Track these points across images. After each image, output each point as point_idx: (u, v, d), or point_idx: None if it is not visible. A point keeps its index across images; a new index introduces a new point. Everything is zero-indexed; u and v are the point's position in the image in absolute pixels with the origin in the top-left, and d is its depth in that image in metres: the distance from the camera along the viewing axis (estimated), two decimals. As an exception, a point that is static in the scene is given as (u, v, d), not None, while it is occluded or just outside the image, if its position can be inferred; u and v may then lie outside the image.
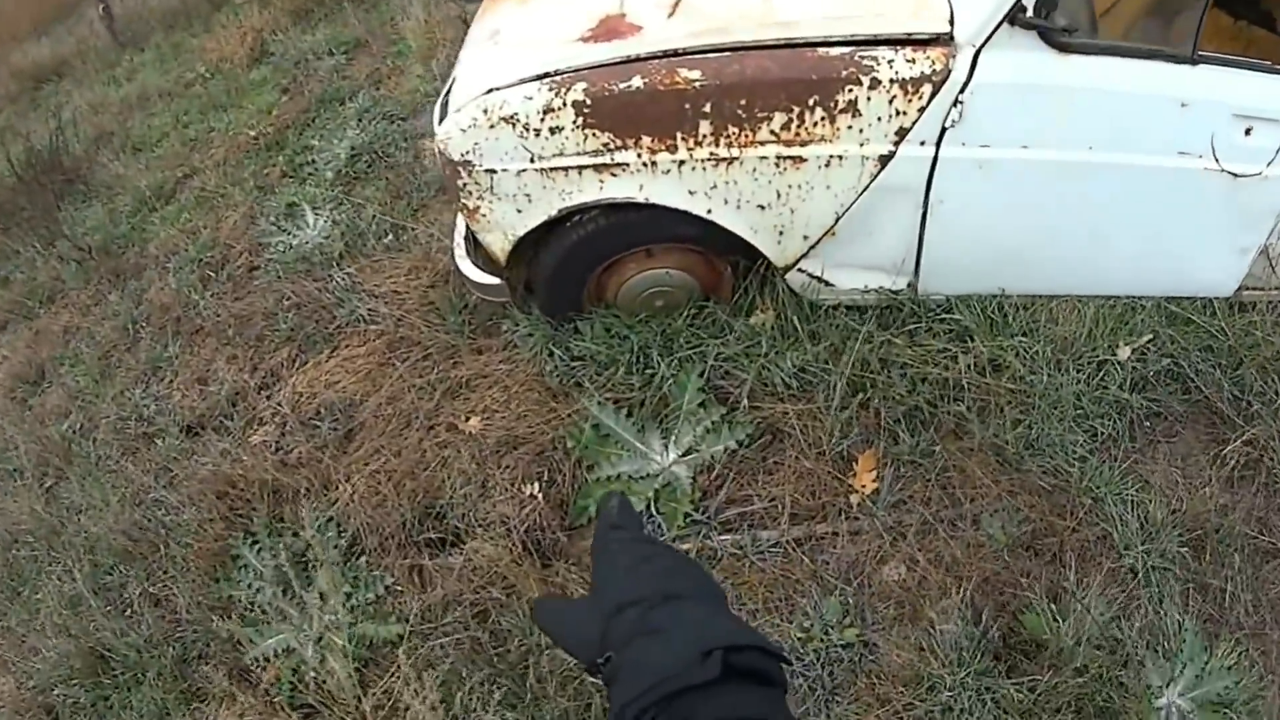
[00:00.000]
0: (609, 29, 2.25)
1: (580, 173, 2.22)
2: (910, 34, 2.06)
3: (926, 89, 2.05)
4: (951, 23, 2.05)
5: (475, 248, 2.61)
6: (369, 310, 2.96)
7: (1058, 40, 2.01)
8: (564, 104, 2.12)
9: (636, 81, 2.09)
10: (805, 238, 2.34)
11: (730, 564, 2.25)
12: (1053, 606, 2.06)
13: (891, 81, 2.05)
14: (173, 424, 2.88)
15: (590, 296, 2.63)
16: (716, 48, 2.11)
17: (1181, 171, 2.13)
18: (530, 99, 2.14)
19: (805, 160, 2.17)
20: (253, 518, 2.57)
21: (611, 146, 2.17)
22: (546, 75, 2.16)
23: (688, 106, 2.10)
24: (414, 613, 2.29)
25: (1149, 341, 2.39)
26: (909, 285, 2.47)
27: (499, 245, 2.45)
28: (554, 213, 2.31)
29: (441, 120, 2.48)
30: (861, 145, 2.14)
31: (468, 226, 2.63)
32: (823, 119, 2.10)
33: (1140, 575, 2.13)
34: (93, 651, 2.44)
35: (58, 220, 4.25)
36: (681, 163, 2.19)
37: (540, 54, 2.22)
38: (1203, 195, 2.17)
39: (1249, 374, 2.33)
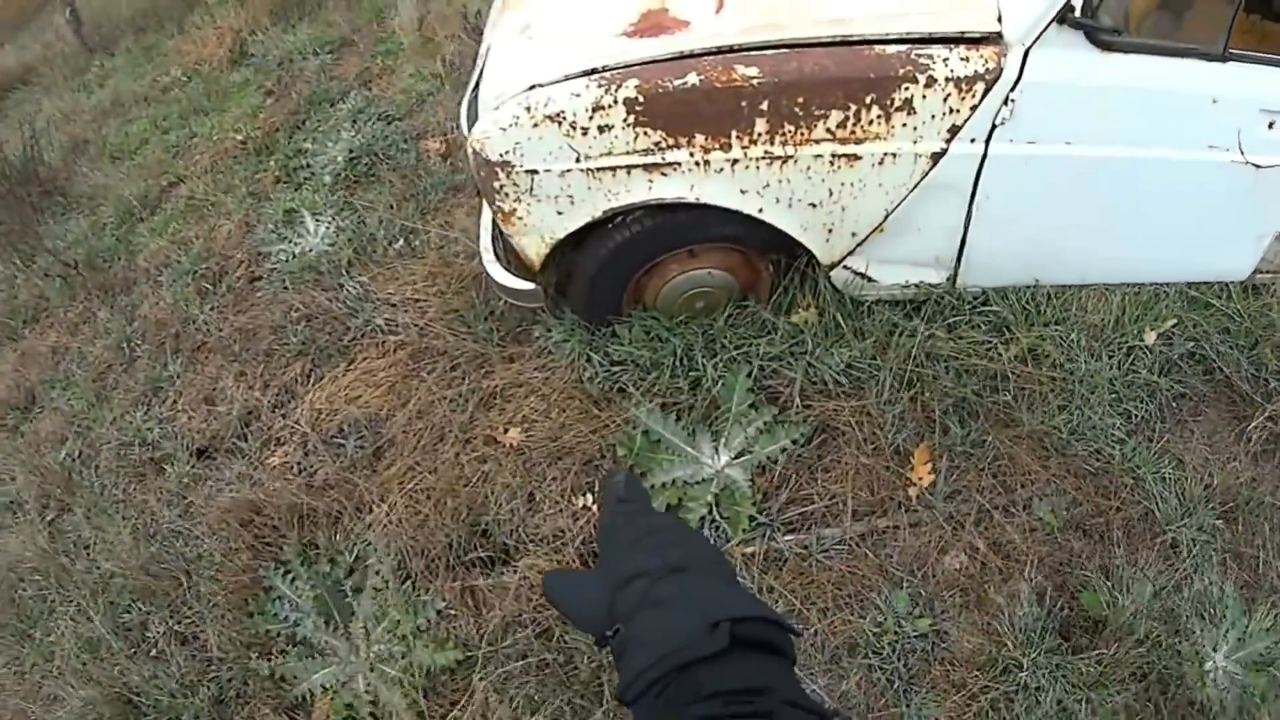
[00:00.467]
0: (654, 24, 2.21)
1: (629, 172, 2.18)
2: (964, 32, 2.08)
3: (980, 87, 2.08)
4: (1000, 21, 2.09)
5: (505, 251, 2.54)
6: (386, 320, 2.85)
7: (1102, 39, 2.06)
8: (615, 101, 2.07)
9: (692, 78, 2.06)
10: (854, 235, 2.35)
11: (796, 564, 2.26)
12: (1108, 583, 2.15)
13: (947, 80, 2.07)
14: (181, 448, 2.72)
15: (628, 299, 2.60)
16: (772, 44, 2.10)
17: (1210, 164, 2.21)
18: (578, 96, 2.09)
19: (860, 158, 2.17)
20: (282, 545, 2.45)
21: (663, 145, 2.14)
22: (595, 71, 2.11)
23: (744, 104, 2.08)
24: (472, 637, 2.23)
25: (1173, 326, 2.49)
26: (948, 279, 2.52)
27: (535, 249, 2.39)
28: (598, 214, 2.26)
29: (472, 120, 2.41)
30: (915, 143, 2.15)
31: (496, 229, 2.56)
32: (879, 117, 2.11)
33: (1184, 549, 2.24)
34: (120, 697, 2.29)
35: (37, 234, 4.00)
36: (735, 161, 2.17)
37: (584, 49, 2.17)
38: (1228, 186, 2.26)
39: (1265, 353, 2.46)
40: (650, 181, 2.19)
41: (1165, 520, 2.28)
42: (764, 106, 2.09)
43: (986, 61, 2.07)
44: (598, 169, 2.17)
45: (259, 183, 3.59)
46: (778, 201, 2.25)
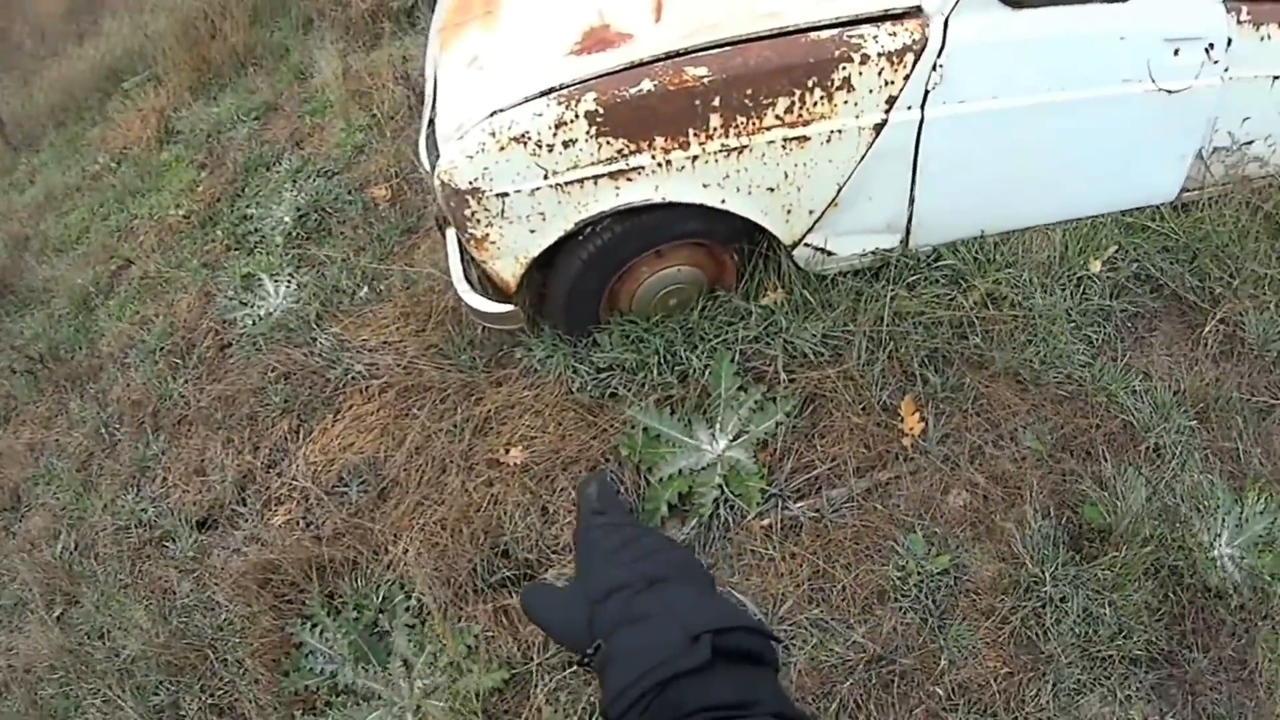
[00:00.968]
0: (599, 40, 2.31)
1: (596, 182, 2.26)
2: (888, 10, 2.24)
3: (910, 58, 2.23)
4: (917, -5, 2.25)
5: (479, 278, 2.59)
6: (366, 365, 2.87)
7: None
8: (576, 115, 2.16)
9: (646, 85, 2.16)
10: (811, 212, 2.48)
11: (812, 528, 2.36)
12: (1104, 494, 2.31)
13: (879, 55, 2.22)
14: (181, 523, 2.69)
15: (605, 308, 2.68)
16: (716, 44, 2.22)
17: (1126, 96, 2.42)
18: (540, 115, 2.17)
19: (809, 139, 2.30)
20: (305, 600, 2.45)
21: (626, 152, 2.23)
22: (553, 90, 2.20)
23: (697, 103, 2.20)
24: (514, 655, 2.26)
25: (1115, 252, 2.69)
26: (901, 242, 2.66)
27: (510, 271, 2.45)
28: (570, 227, 2.34)
29: (433, 155, 2.47)
30: (858, 118, 2.30)
31: (466, 258, 2.61)
32: (822, 98, 2.25)
33: (1166, 451, 2.42)
34: (165, 780, 2.26)
35: (-7, 334, 3.87)
36: (695, 158, 2.27)
37: (538, 71, 2.26)
38: (1146, 114, 2.47)
39: (1205, 263, 2.67)
40: (617, 188, 2.28)
41: (1144, 428, 2.47)
42: (716, 102, 2.20)
43: (912, 33, 2.23)
44: (566, 183, 2.26)
45: (210, 253, 3.56)
46: (738, 190, 2.36)
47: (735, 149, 2.28)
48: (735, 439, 2.51)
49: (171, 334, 3.21)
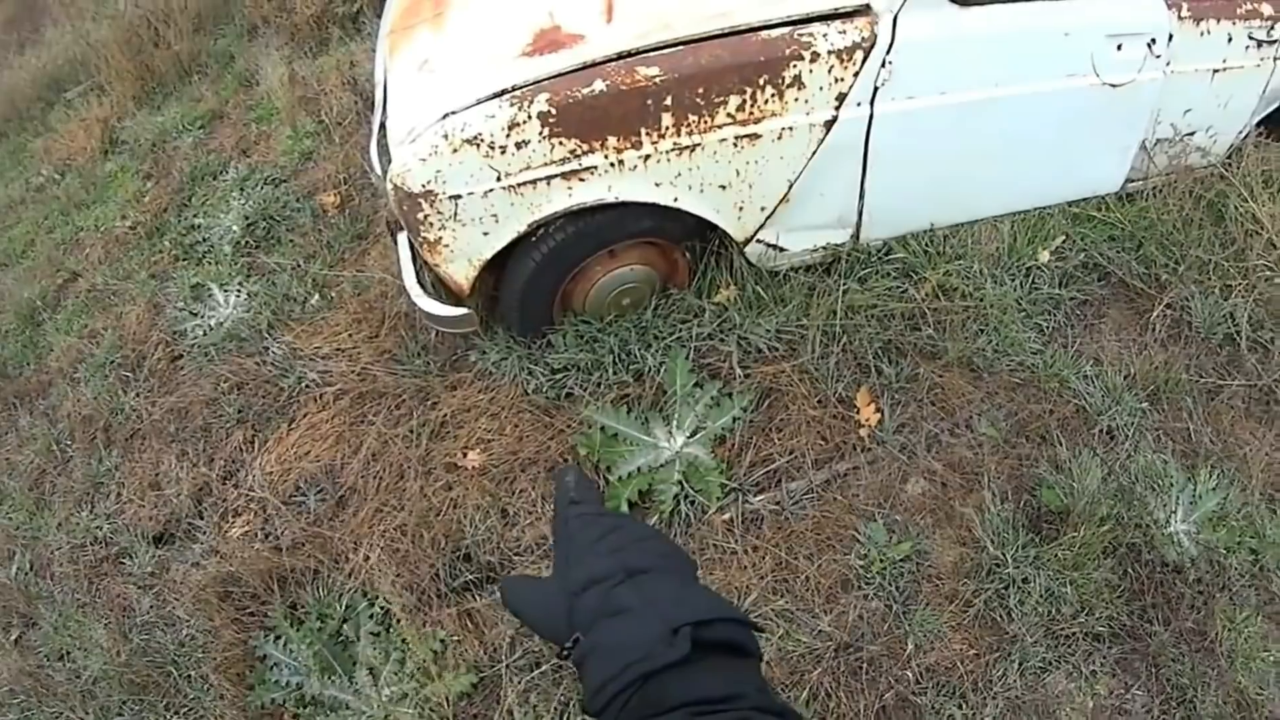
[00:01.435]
0: (550, 41, 2.31)
1: (549, 183, 2.26)
2: (837, 8, 2.27)
3: (859, 55, 2.27)
4: (866, -8, 2.28)
5: (432, 282, 2.58)
6: (319, 374, 2.84)
7: (959, -3, 2.29)
8: (529, 116, 2.16)
9: (598, 85, 2.17)
10: (763, 209, 2.50)
11: (773, 520, 2.38)
12: (1061, 476, 2.36)
13: (829, 53, 2.25)
14: (137, 539, 2.63)
15: (558, 309, 2.68)
16: (668, 43, 2.23)
17: (1071, 91, 2.48)
18: (493, 117, 2.16)
19: (760, 136, 2.33)
20: (267, 612, 2.41)
21: (579, 152, 2.23)
22: (506, 91, 2.19)
23: (649, 102, 2.20)
24: (482, 658, 2.26)
25: (1063, 242, 2.75)
26: (852, 237, 2.70)
27: (464, 273, 2.43)
28: (523, 228, 2.33)
29: (384, 159, 2.45)
30: (808, 114, 2.32)
31: (418, 262, 2.59)
32: (773, 95, 2.27)
33: (1119, 433, 2.48)
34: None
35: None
36: (647, 157, 2.28)
37: (490, 73, 2.25)
38: (1090, 108, 2.54)
39: (1150, 251, 2.74)
40: (570, 189, 2.28)
41: (1096, 412, 2.53)
42: (668, 102, 2.21)
43: (861, 31, 2.26)
44: (519, 184, 2.25)
45: (158, 264, 3.49)
46: (690, 189, 2.37)
47: (687, 147, 2.29)
48: (693, 435, 2.52)
49: (121, 347, 3.15)
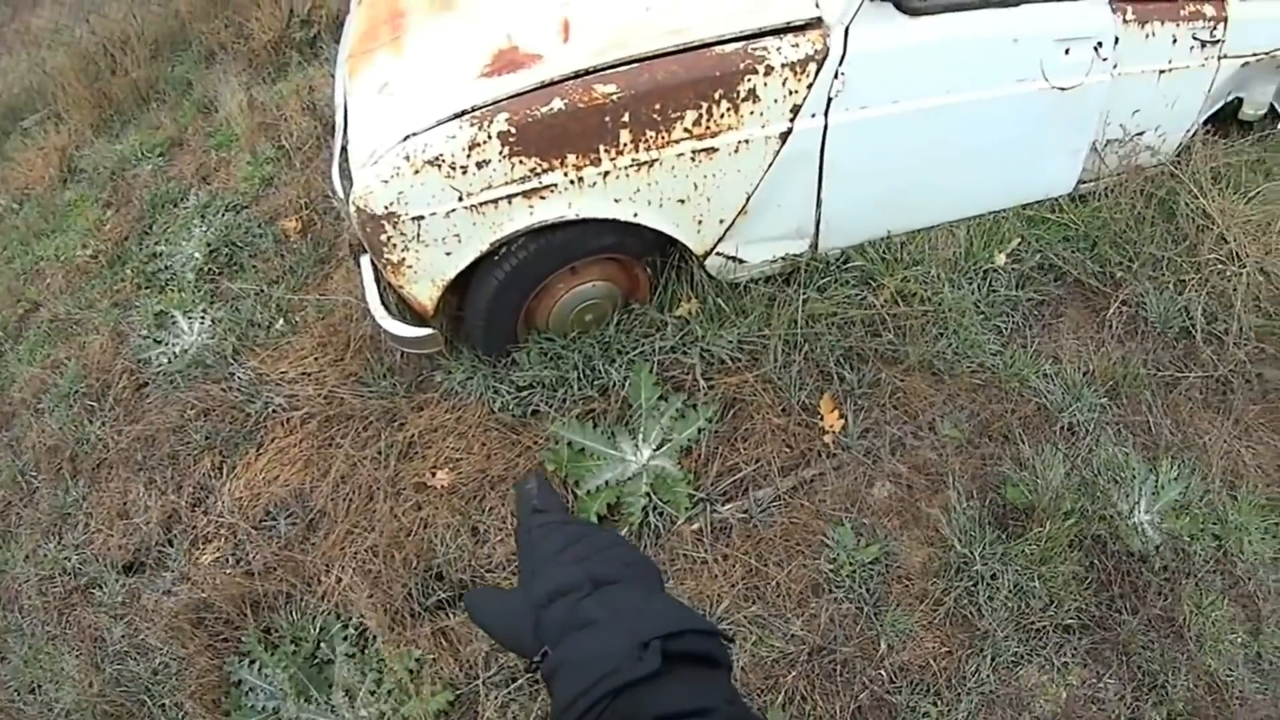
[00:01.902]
0: (508, 61, 2.33)
1: (510, 202, 2.28)
2: (789, 22, 2.31)
3: (812, 67, 2.31)
4: (818, 6, 2.32)
5: (395, 304, 2.58)
6: (286, 398, 2.83)
7: (909, 6, 2.33)
8: (489, 136, 2.18)
9: (557, 103, 2.19)
10: (722, 222, 2.53)
11: (742, 528, 2.41)
12: (1024, 473, 2.41)
13: (783, 66, 2.28)
14: (107, 568, 2.61)
15: (522, 327, 2.69)
16: (624, 61, 2.25)
17: (1022, 96, 2.54)
18: (454, 137, 2.18)
19: (717, 150, 2.36)
20: (240, 638, 2.40)
21: (539, 170, 2.25)
22: (466, 112, 2.20)
23: (607, 119, 2.23)
24: (458, 676, 2.26)
25: (1018, 245, 2.81)
26: (810, 247, 2.74)
27: (427, 294, 2.44)
28: (485, 247, 2.34)
29: (346, 183, 2.45)
30: (764, 127, 2.36)
31: (382, 284, 2.60)
32: (728, 110, 2.31)
33: (1080, 429, 2.54)
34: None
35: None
36: (606, 174, 2.30)
37: (449, 95, 2.26)
38: (1040, 112, 2.60)
39: (1104, 250, 2.81)
40: (531, 207, 2.30)
41: (1057, 409, 2.60)
42: (625, 118, 2.24)
43: (814, 43, 2.30)
44: (480, 204, 2.26)
45: (120, 293, 3.46)
46: (649, 204, 2.40)
47: (646, 163, 2.32)
48: (659, 447, 2.55)
49: (85, 376, 3.12)
